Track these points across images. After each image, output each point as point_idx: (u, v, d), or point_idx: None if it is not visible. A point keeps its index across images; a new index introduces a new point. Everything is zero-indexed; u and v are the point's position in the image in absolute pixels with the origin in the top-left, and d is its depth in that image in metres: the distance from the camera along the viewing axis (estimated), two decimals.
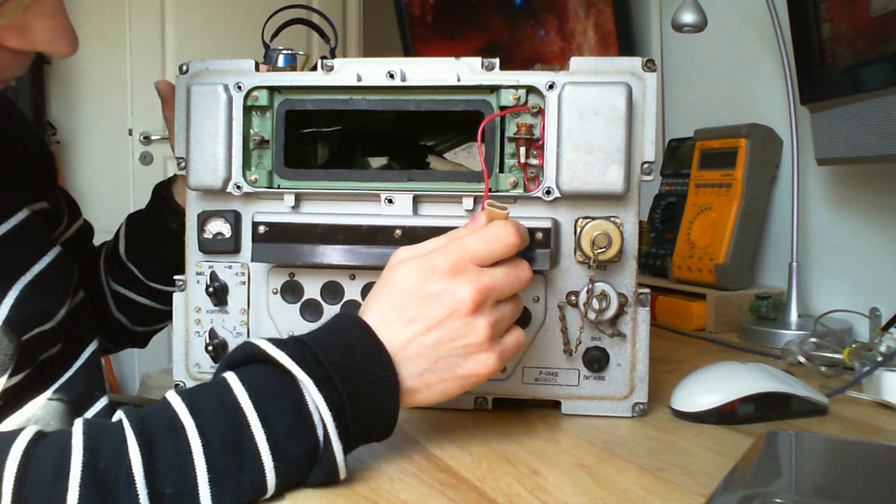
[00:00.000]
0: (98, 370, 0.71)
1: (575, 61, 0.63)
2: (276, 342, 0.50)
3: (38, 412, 0.64)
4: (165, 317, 0.89)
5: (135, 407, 0.48)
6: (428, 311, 0.52)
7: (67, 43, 0.55)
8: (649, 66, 0.62)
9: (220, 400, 0.48)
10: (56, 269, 0.66)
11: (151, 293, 0.85)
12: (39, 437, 0.45)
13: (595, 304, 0.62)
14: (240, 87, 0.65)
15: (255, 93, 0.65)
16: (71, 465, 0.43)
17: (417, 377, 0.52)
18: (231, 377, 0.49)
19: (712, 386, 0.64)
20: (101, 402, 0.69)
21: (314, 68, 0.66)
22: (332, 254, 0.64)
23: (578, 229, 0.62)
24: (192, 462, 0.45)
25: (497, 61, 0.63)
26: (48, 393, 0.65)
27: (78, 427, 0.46)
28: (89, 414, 0.68)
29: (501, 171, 0.64)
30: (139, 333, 0.89)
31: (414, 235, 0.62)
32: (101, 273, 0.86)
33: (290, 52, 0.71)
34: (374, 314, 0.53)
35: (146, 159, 2.68)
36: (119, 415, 0.47)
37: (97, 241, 0.91)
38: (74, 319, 0.68)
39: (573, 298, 0.64)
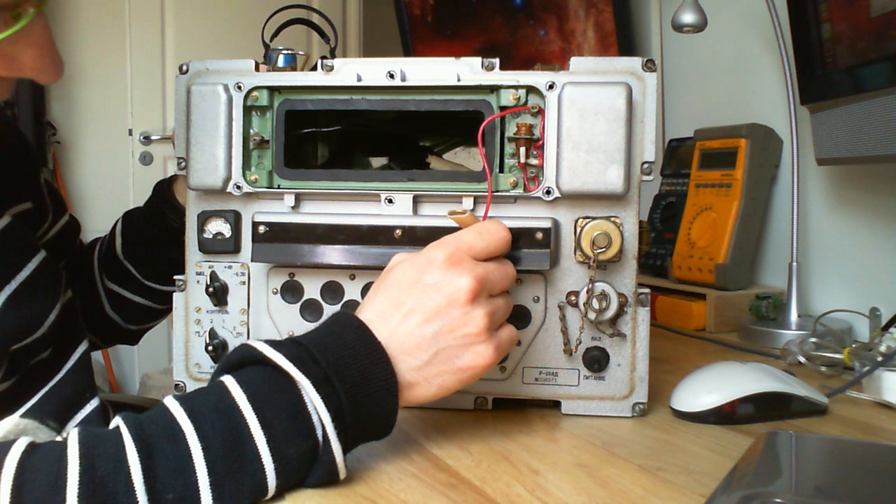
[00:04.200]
0: (88, 371, 0.70)
1: (575, 61, 0.63)
2: (273, 343, 0.50)
3: (28, 415, 0.63)
4: (159, 315, 0.89)
5: (132, 413, 0.48)
6: (426, 302, 0.53)
7: (54, 70, 0.56)
8: (649, 66, 0.62)
9: (219, 403, 0.48)
10: (42, 275, 0.65)
11: (148, 292, 0.85)
12: (32, 448, 0.45)
13: (595, 304, 0.62)
14: (240, 87, 0.65)
15: (255, 93, 0.65)
16: (68, 475, 0.43)
17: (416, 371, 0.52)
18: (229, 380, 0.49)
19: (712, 386, 0.64)
20: (93, 404, 0.68)
21: (314, 68, 0.66)
22: (332, 254, 0.64)
23: (578, 229, 0.62)
24: (192, 466, 0.45)
25: (497, 61, 0.63)
26: (38, 396, 0.65)
27: (73, 436, 0.45)
28: (80, 415, 0.67)
29: (501, 171, 0.64)
30: (132, 331, 0.89)
31: (414, 235, 0.62)
32: (96, 271, 0.85)
33: (290, 52, 0.71)
34: (371, 310, 0.54)
35: (146, 159, 2.68)
36: (116, 421, 0.47)
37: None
38: (63, 322, 0.68)
39: (573, 298, 0.64)
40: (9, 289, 0.62)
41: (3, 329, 0.60)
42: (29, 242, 0.68)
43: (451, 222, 0.59)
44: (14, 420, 0.63)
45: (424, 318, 0.52)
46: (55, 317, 0.66)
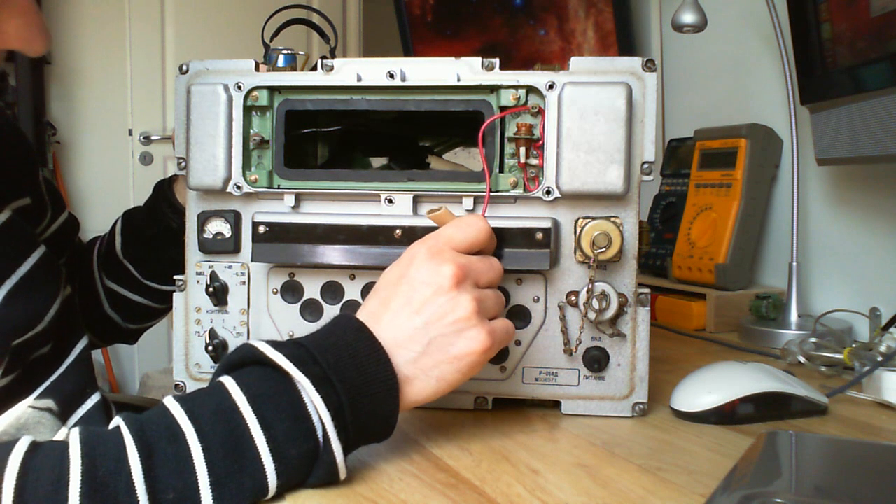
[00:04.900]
0: (89, 366, 0.70)
1: (575, 61, 0.63)
2: (273, 344, 0.50)
3: (28, 411, 0.63)
4: (158, 315, 0.89)
5: (133, 414, 0.48)
6: (413, 294, 0.53)
7: (40, 40, 0.55)
8: (649, 66, 0.62)
9: (219, 404, 0.48)
10: (42, 270, 0.65)
11: (147, 291, 0.85)
12: (35, 448, 0.45)
13: (595, 304, 0.62)
14: (240, 87, 0.65)
15: (255, 93, 0.65)
16: (70, 475, 0.43)
17: (412, 363, 0.53)
18: (228, 381, 0.49)
19: (712, 386, 0.64)
20: (94, 399, 0.68)
21: (314, 68, 0.66)
22: (332, 254, 0.64)
23: (578, 229, 0.62)
24: (192, 466, 0.45)
25: (497, 61, 0.63)
26: (39, 391, 0.65)
27: (75, 436, 0.46)
28: (81, 411, 0.67)
29: (501, 171, 0.64)
30: (130, 331, 0.89)
31: (414, 235, 0.62)
32: (95, 270, 0.85)
33: (290, 52, 0.71)
34: (364, 312, 0.55)
35: (146, 159, 2.69)
36: (117, 421, 0.47)
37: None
38: (63, 318, 0.68)
39: (573, 298, 0.64)
40: (9, 283, 0.62)
41: (4, 323, 0.60)
42: (29, 237, 0.68)
43: None
44: (14, 414, 0.63)
45: (413, 309, 0.53)
46: (55, 312, 0.66)
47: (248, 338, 0.68)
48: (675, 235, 1.16)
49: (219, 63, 0.66)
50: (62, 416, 0.66)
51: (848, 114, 0.84)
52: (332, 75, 0.65)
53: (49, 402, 0.65)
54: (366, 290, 0.66)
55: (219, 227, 0.67)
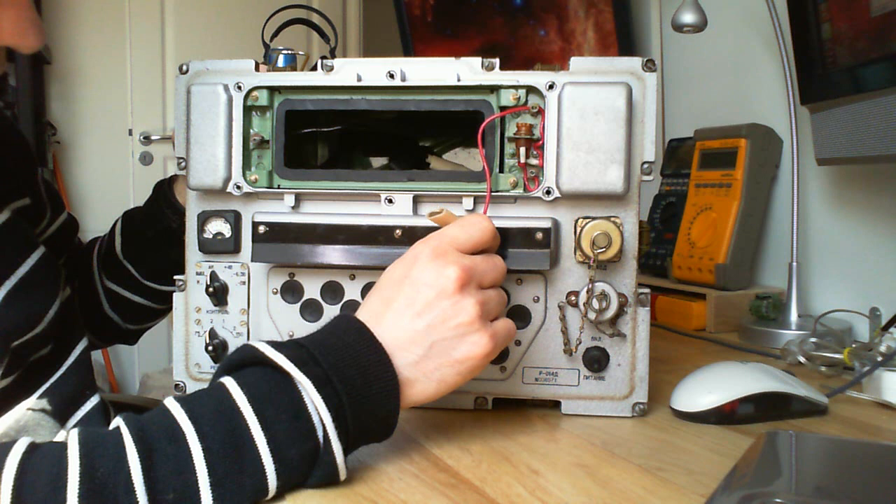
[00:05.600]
0: (88, 368, 0.70)
1: (575, 61, 0.63)
2: (274, 344, 0.50)
3: (28, 413, 0.63)
4: (158, 315, 0.89)
5: (133, 414, 0.48)
6: (416, 296, 0.53)
7: (34, 34, 0.54)
8: (649, 66, 0.62)
9: (219, 405, 0.48)
10: (41, 271, 0.65)
11: (147, 292, 0.85)
12: (33, 448, 0.45)
13: (595, 304, 0.62)
14: (240, 87, 0.65)
15: (255, 93, 0.65)
16: (68, 475, 0.43)
17: (413, 366, 0.53)
18: (229, 381, 0.49)
19: (712, 386, 0.64)
20: (93, 401, 0.68)
21: (314, 68, 0.66)
22: (332, 254, 0.64)
23: (578, 229, 0.62)
24: (192, 467, 0.45)
25: (497, 61, 0.63)
26: (38, 393, 0.65)
27: (73, 436, 0.46)
28: (80, 413, 0.67)
29: (501, 171, 0.64)
30: (130, 331, 0.89)
31: (414, 235, 0.62)
32: (95, 270, 0.85)
33: (290, 52, 0.71)
34: (365, 312, 0.54)
35: (146, 159, 2.69)
36: (117, 422, 0.47)
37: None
38: (63, 319, 0.68)
39: (573, 298, 0.64)
40: (9, 284, 0.62)
41: (3, 324, 0.60)
42: (28, 238, 0.67)
43: None
44: (14, 416, 0.63)
45: (415, 312, 0.53)
46: (54, 313, 0.66)
47: (248, 338, 0.68)
48: (675, 235, 1.16)
49: (219, 63, 0.66)
50: (61, 417, 0.66)
51: (848, 114, 0.84)
52: (332, 75, 0.65)
53: (46, 404, 0.65)
54: (366, 290, 0.66)
55: (219, 227, 0.67)
